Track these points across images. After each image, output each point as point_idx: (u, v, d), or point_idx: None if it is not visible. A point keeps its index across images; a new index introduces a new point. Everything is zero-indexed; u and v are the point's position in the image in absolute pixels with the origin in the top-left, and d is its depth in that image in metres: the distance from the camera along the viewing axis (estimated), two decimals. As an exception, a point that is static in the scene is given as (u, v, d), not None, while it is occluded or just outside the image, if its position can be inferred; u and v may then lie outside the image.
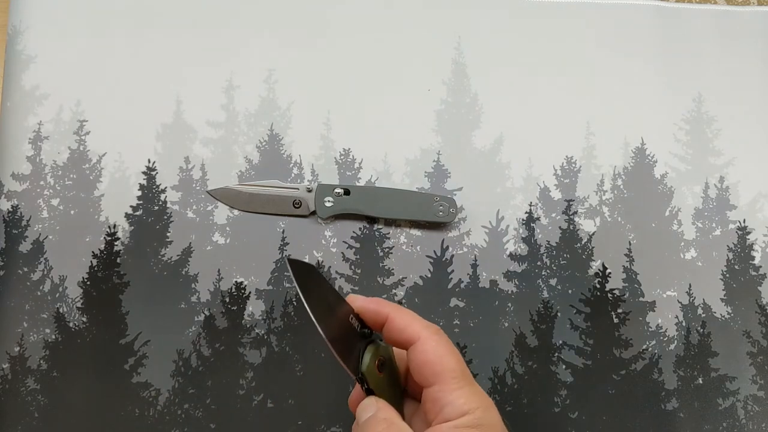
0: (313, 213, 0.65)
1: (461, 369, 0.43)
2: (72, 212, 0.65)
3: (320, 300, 0.42)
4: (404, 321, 0.44)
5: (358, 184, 0.67)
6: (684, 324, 0.65)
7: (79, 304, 0.63)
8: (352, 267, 0.65)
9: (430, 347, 0.43)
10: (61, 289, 0.63)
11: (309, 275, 0.43)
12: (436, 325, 0.44)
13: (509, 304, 0.65)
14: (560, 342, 0.64)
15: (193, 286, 0.64)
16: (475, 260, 0.66)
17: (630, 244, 0.67)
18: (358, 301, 0.46)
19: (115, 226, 0.65)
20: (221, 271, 0.64)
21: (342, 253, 0.65)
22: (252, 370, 0.62)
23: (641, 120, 0.70)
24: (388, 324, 0.45)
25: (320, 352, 0.63)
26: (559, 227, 0.67)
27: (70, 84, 0.67)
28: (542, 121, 0.69)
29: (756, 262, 0.67)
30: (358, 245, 0.66)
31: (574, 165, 0.69)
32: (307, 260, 0.65)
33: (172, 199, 0.66)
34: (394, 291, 0.65)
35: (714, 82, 0.71)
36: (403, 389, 0.47)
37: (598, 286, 0.66)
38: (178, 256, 0.65)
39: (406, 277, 0.65)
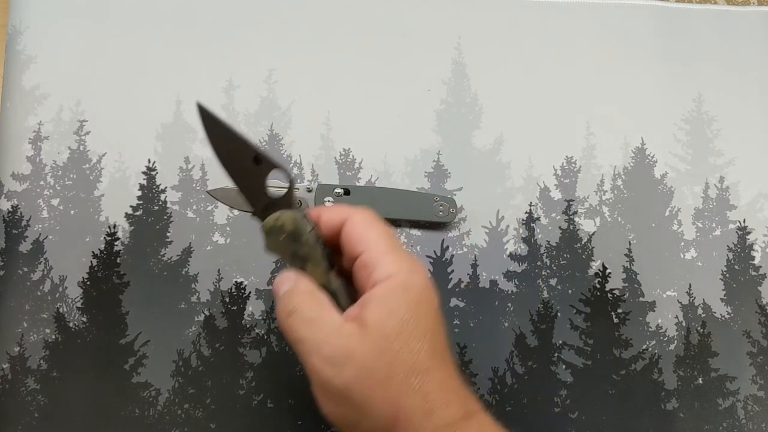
0: (313, 213, 0.65)
1: (388, 236, 0.44)
2: (72, 212, 0.65)
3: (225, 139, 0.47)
4: (340, 213, 0.45)
5: (358, 184, 0.67)
6: (684, 324, 0.65)
7: (79, 304, 0.63)
8: (352, 267, 0.65)
9: (357, 220, 0.44)
10: (61, 289, 0.63)
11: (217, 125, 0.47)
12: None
13: (509, 304, 0.65)
14: (560, 342, 0.64)
15: (193, 286, 0.64)
16: (475, 260, 0.66)
17: (630, 244, 0.67)
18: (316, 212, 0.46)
19: (115, 226, 0.65)
20: (221, 271, 0.64)
21: (342, 253, 0.65)
22: (252, 370, 0.62)
23: (641, 120, 0.70)
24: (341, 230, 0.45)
25: (320, 352, 0.63)
26: (559, 227, 0.67)
27: (70, 84, 0.67)
28: (542, 121, 0.69)
29: (756, 262, 0.67)
30: (358, 245, 0.66)
31: (574, 165, 0.69)
32: None
33: (172, 199, 0.66)
34: (394, 291, 0.65)
35: (714, 82, 0.71)
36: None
37: (598, 286, 0.66)
38: (178, 256, 0.65)
39: (406, 277, 0.65)
